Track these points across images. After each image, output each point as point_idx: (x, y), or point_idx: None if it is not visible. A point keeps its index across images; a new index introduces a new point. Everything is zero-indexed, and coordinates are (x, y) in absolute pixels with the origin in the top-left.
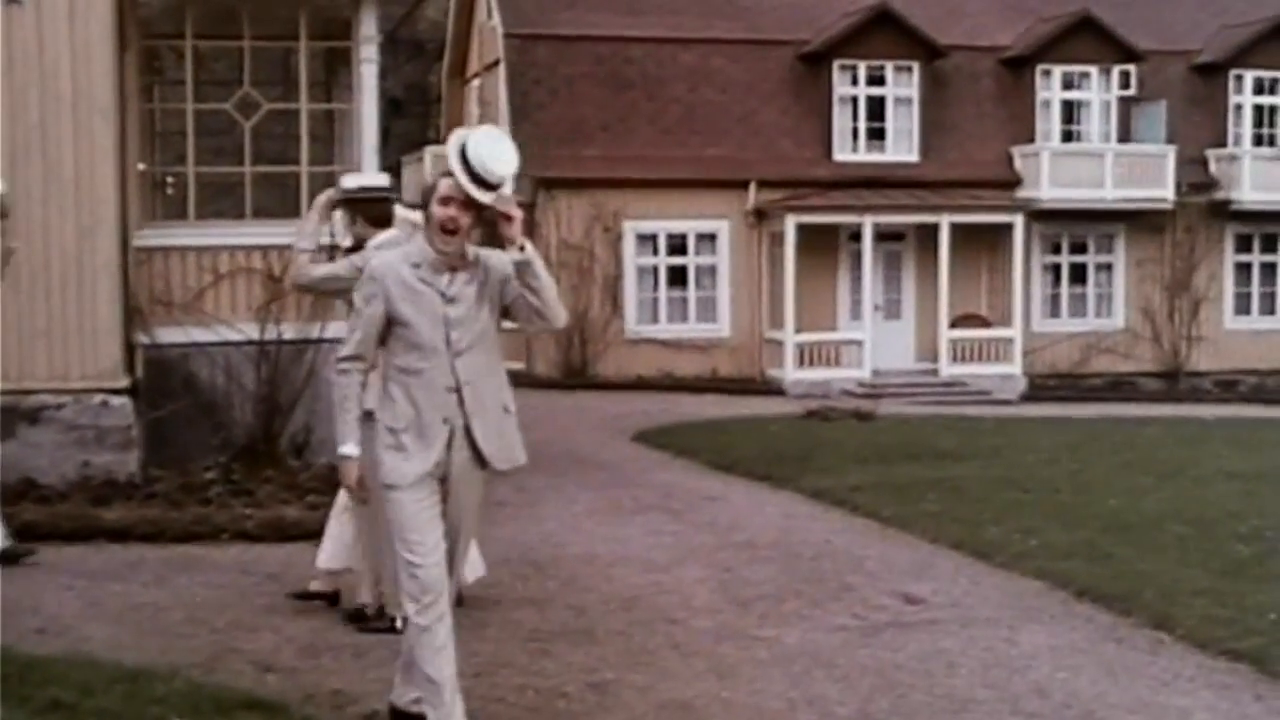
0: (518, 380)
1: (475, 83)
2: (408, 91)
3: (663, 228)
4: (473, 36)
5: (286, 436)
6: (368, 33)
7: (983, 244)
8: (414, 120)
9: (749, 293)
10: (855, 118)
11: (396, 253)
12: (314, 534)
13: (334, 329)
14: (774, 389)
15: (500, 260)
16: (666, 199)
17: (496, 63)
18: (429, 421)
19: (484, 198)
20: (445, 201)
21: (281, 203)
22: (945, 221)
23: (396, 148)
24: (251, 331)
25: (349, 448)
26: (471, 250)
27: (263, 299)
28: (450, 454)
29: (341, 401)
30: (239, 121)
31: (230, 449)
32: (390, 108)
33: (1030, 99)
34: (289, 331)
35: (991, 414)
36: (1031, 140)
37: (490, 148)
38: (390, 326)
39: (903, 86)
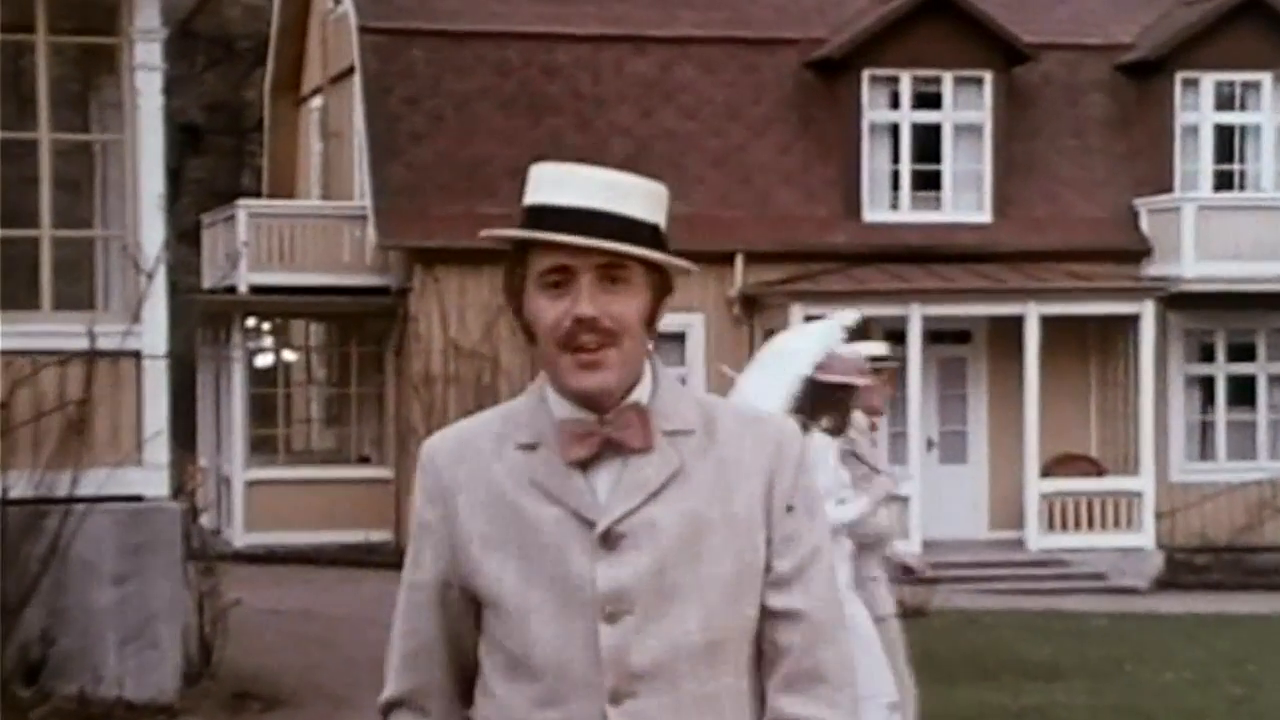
0: (382, 558)
1: (315, 102)
2: (210, 115)
3: None
4: (310, 32)
5: (14, 650)
6: (146, 24)
7: (1091, 347)
8: (220, 157)
9: None
10: (895, 156)
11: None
12: None
13: (91, 481)
14: None
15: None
16: None
17: (349, 72)
18: None
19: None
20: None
21: (7, 284)
22: (1033, 313)
23: (194, 199)
24: None
25: None
26: (648, 388)
27: None
28: None
29: None
30: None
31: None
32: (183, 139)
33: (1166, 125)
34: (19, 485)
35: (1108, 609)
36: (1168, 188)
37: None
38: (473, 611)
39: (969, 108)
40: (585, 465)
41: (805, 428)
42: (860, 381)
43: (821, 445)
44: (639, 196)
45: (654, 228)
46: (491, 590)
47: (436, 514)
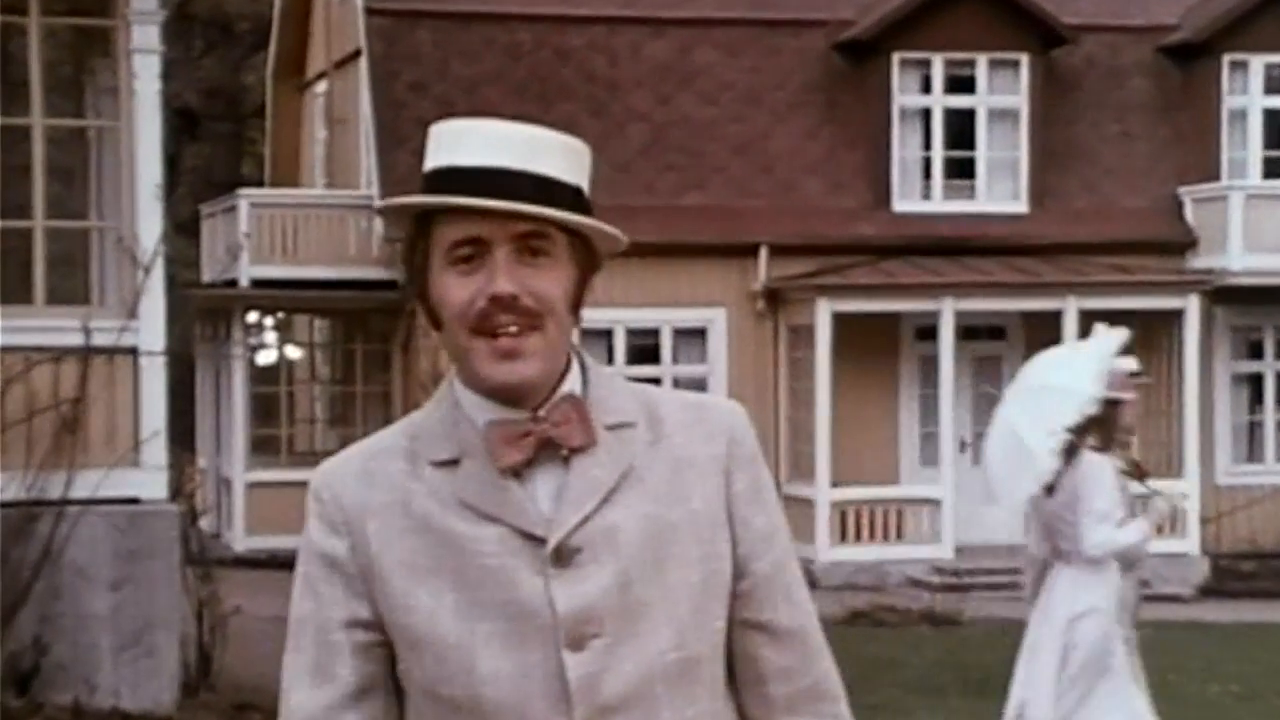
0: None
1: (320, 87)
2: (209, 100)
3: (621, 319)
4: (314, 14)
5: (5, 658)
6: (143, 6)
7: (1133, 344)
8: (218, 144)
9: (758, 422)
10: (927, 143)
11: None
12: None
13: (86, 483)
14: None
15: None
16: (627, 274)
17: (355, 56)
18: None
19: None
20: None
21: None
22: (1072, 308)
23: (191, 189)
24: None
25: None
26: (577, 377)
27: None
28: None
29: None
30: None
31: None
32: (181, 125)
33: (1212, 109)
34: (11, 487)
35: (1150, 617)
36: (1214, 176)
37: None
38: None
39: (1004, 92)
40: (519, 473)
41: (1073, 449)
42: (1130, 397)
43: (1097, 464)
44: (558, 153)
45: (577, 190)
46: (424, 627)
47: (343, 545)
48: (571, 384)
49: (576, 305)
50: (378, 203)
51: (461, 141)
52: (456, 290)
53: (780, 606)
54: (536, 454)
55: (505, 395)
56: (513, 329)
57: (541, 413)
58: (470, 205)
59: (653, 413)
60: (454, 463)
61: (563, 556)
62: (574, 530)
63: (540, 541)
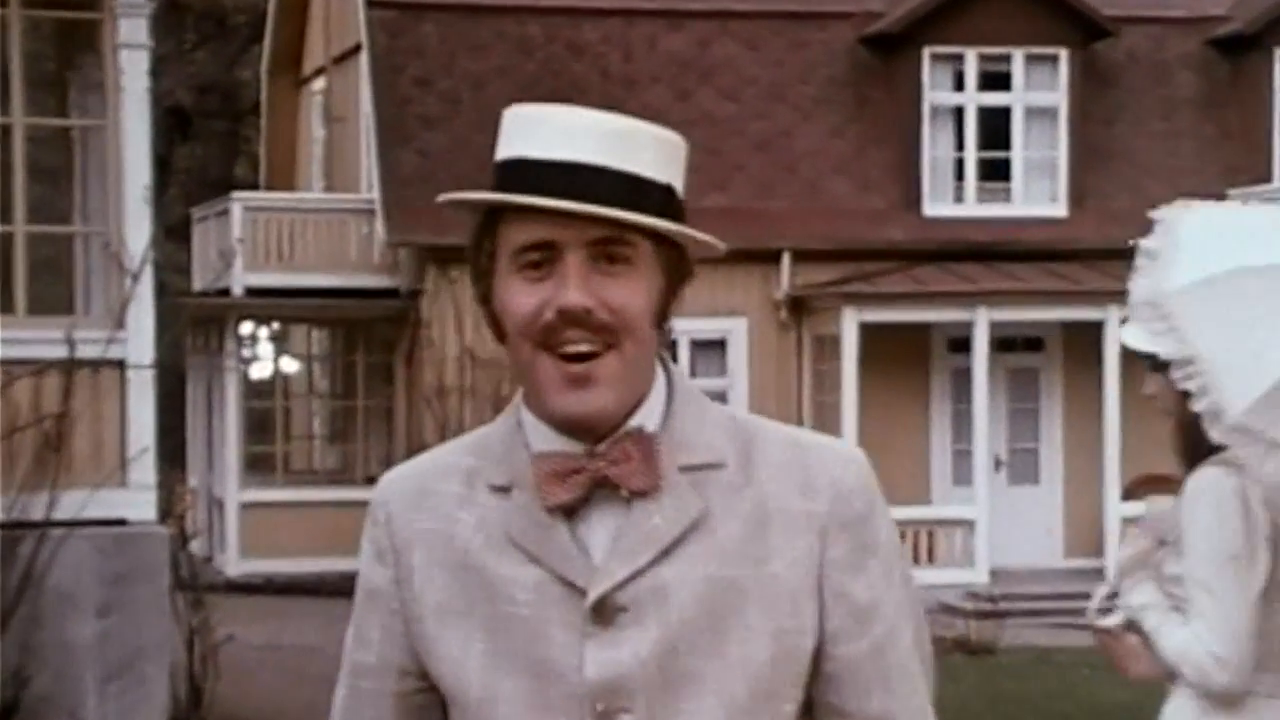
0: None
1: (318, 84)
2: (201, 97)
3: None
4: (313, 7)
5: None
6: None
7: None
8: (211, 144)
9: None
10: (960, 143)
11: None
12: None
13: (70, 503)
14: None
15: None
16: None
17: (356, 50)
18: None
19: None
20: None
21: None
22: (1114, 318)
23: (182, 191)
24: None
25: None
26: (658, 407)
27: None
28: None
29: None
30: None
31: None
32: (171, 125)
33: (1263, 106)
34: None
35: None
36: (1265, 177)
37: None
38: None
39: (1042, 88)
40: (572, 512)
41: None
42: None
43: None
44: (649, 147)
45: (668, 189)
46: (451, 679)
47: (385, 576)
48: (647, 414)
49: (662, 319)
50: (440, 198)
51: (535, 130)
52: (521, 299)
53: (874, 695)
54: (590, 493)
55: (572, 427)
56: (584, 346)
57: (600, 447)
58: (537, 205)
59: (748, 451)
60: (506, 490)
61: (604, 614)
62: (620, 585)
63: (581, 593)
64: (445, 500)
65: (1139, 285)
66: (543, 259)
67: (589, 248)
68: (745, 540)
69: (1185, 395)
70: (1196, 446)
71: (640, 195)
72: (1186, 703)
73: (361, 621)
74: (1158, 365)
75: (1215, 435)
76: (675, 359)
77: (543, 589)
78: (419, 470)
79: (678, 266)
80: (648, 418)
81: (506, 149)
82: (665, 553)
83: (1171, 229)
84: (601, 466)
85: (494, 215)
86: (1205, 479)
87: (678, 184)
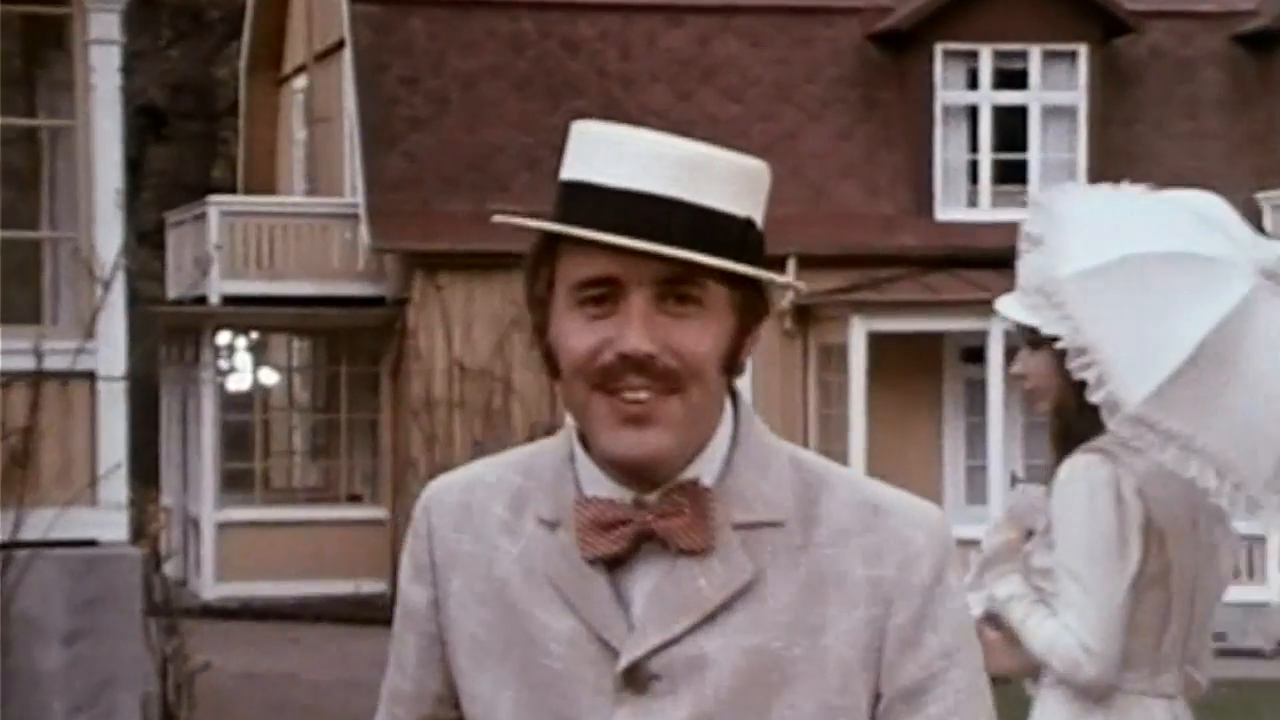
0: (376, 612)
1: (299, 82)
2: (176, 96)
3: None
4: (293, 2)
5: None
6: None
7: None
8: (186, 146)
9: None
10: (974, 145)
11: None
12: None
13: (38, 523)
14: None
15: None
16: None
17: (339, 47)
18: None
19: None
20: None
21: None
22: None
23: (156, 195)
24: None
25: None
26: (718, 458)
27: None
28: None
29: None
30: None
31: None
32: (145, 125)
33: None
34: None
35: (1228, 674)
36: None
37: None
38: None
39: (1060, 87)
40: (616, 561)
41: None
42: None
43: None
44: (728, 179)
45: (746, 224)
46: (480, 719)
47: (424, 596)
48: (705, 464)
49: (732, 365)
50: (497, 217)
51: (603, 152)
52: (579, 338)
53: None
54: (636, 546)
55: (626, 469)
56: (643, 395)
57: (650, 498)
58: (599, 240)
59: (811, 508)
60: (553, 526)
61: (636, 681)
62: (654, 652)
63: (614, 654)
64: (489, 523)
65: (1027, 270)
66: (605, 294)
67: (656, 286)
68: (798, 609)
69: (1064, 380)
70: (1069, 433)
71: (715, 232)
72: (1053, 705)
73: (399, 643)
74: (1036, 342)
75: (1113, 425)
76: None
77: (577, 643)
78: (468, 483)
79: (753, 307)
80: (706, 468)
81: (572, 168)
82: (709, 618)
83: (1050, 212)
84: (649, 520)
85: (554, 241)
86: (1077, 467)
87: (758, 216)
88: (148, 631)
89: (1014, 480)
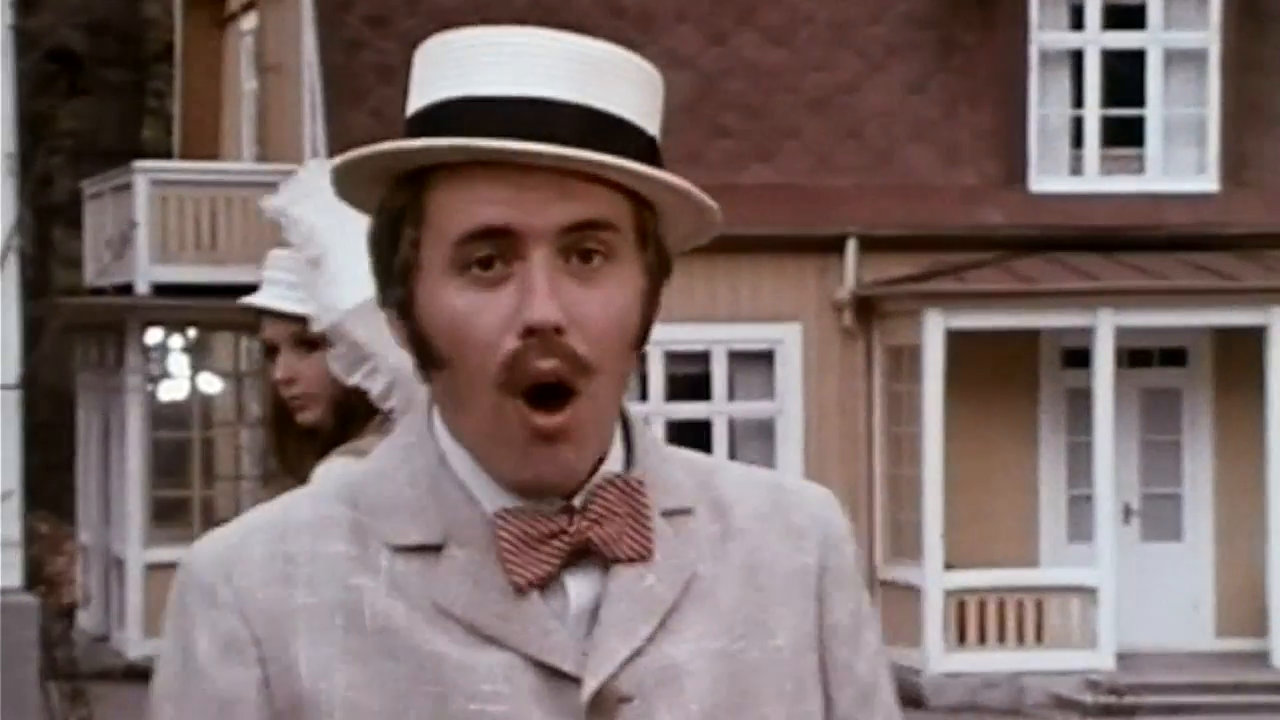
0: None
1: (247, 23)
2: (95, 39)
3: (656, 340)
4: None
5: None
6: None
7: None
8: (109, 99)
9: (844, 481)
10: (1078, 99)
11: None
12: None
13: None
14: (899, 690)
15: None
16: None
17: None
18: None
19: None
20: None
21: None
22: (1278, 324)
23: (70, 160)
24: None
25: None
26: (619, 446)
27: None
28: None
29: None
30: None
31: None
32: (55, 73)
33: None
34: None
35: None
36: None
37: None
38: None
39: (1185, 27)
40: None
41: None
42: None
43: None
44: (632, 84)
45: (651, 142)
46: None
47: (246, 678)
48: (616, 457)
49: (643, 338)
50: (335, 160)
51: (473, 59)
52: (471, 316)
53: None
54: (571, 561)
55: (538, 492)
56: (552, 378)
57: (576, 501)
58: (496, 149)
59: (714, 495)
60: (432, 550)
61: (603, 708)
62: (622, 668)
63: (572, 682)
64: (334, 565)
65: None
66: (495, 253)
67: (558, 239)
68: (747, 607)
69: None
70: (338, 434)
71: (626, 148)
72: None
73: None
74: (306, 340)
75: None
76: (705, 377)
77: (513, 678)
78: (260, 531)
79: (658, 259)
80: (618, 460)
81: (428, 89)
82: (664, 624)
83: (300, 183)
84: (584, 528)
85: (418, 189)
86: (334, 470)
87: (658, 134)
88: (47, 698)
89: (1127, 514)
